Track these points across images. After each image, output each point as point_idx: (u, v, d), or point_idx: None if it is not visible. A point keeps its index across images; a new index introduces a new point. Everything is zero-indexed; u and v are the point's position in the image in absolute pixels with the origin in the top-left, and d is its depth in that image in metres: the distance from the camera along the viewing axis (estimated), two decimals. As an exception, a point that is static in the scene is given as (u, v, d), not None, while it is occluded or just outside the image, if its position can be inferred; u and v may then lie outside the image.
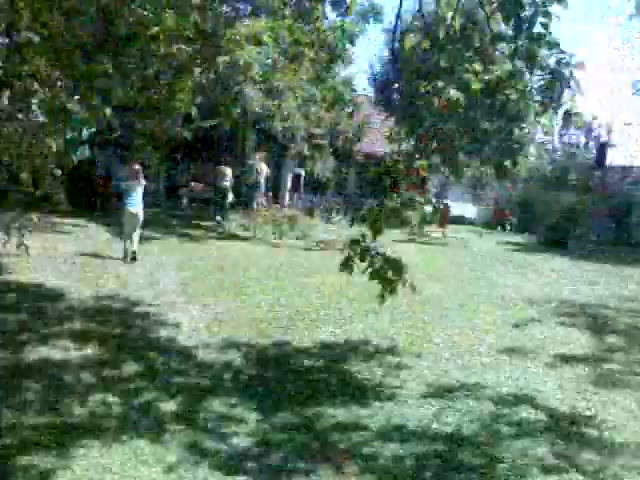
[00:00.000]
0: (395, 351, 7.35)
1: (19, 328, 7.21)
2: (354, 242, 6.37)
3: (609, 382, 6.64)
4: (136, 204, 11.97)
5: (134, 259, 11.50)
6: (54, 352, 6.53)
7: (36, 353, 6.45)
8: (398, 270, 6.09)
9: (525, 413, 5.66)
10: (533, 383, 6.49)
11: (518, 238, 22.04)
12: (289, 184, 22.88)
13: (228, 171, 18.02)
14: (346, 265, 6.24)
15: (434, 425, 5.33)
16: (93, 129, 15.30)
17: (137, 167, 12.10)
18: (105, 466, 4.29)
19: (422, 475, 4.50)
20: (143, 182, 12.20)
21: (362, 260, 6.24)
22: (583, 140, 29.82)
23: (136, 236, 11.95)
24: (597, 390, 6.35)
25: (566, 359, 7.38)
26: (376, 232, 6.03)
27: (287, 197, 22.65)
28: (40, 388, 5.62)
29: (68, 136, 8.56)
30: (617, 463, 4.74)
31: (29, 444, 4.50)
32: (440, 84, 5.39)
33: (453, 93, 5.25)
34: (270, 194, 20.91)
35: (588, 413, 5.73)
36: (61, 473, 4.13)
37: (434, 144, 5.81)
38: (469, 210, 26.57)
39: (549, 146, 29.54)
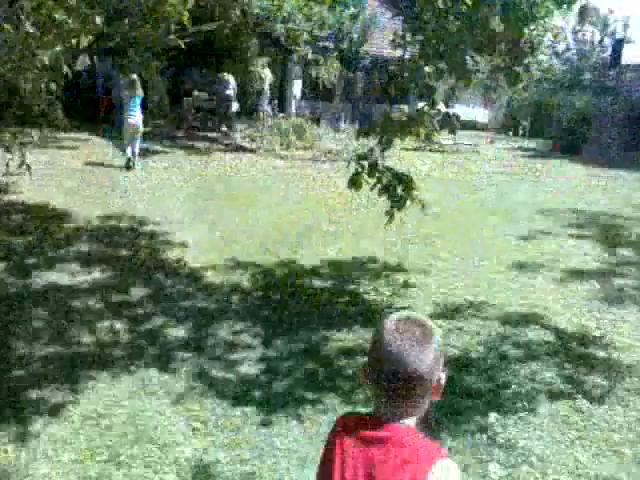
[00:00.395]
0: (403, 268, 7.30)
1: (26, 251, 7.18)
2: (361, 157, 6.16)
3: (620, 298, 6.60)
4: (135, 114, 12.05)
5: (129, 167, 11.69)
6: (62, 276, 6.51)
7: (44, 278, 6.43)
8: (407, 186, 5.95)
9: (533, 334, 5.64)
10: (542, 300, 6.45)
11: (531, 143, 21.60)
12: (296, 91, 22.26)
13: (231, 79, 17.48)
14: (354, 181, 6.08)
15: (441, 348, 5.32)
16: (91, 38, 14.83)
17: (134, 77, 11.86)
18: (114, 399, 4.32)
19: (428, 402, 4.50)
20: (140, 92, 12.19)
21: (370, 176, 6.08)
22: (598, 37, 28.55)
23: (136, 146, 12.12)
24: (607, 307, 6.31)
25: (577, 274, 7.32)
26: (384, 145, 5.82)
27: (294, 105, 22.10)
28: (48, 316, 5.63)
29: (58, 48, 8.20)
30: (624, 386, 4.74)
31: (39, 377, 4.53)
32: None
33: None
34: (276, 102, 20.40)
35: (597, 333, 5.71)
36: (71, 407, 4.17)
37: (440, 48, 5.48)
38: (480, 114, 25.93)
39: (562, 46, 28.41)
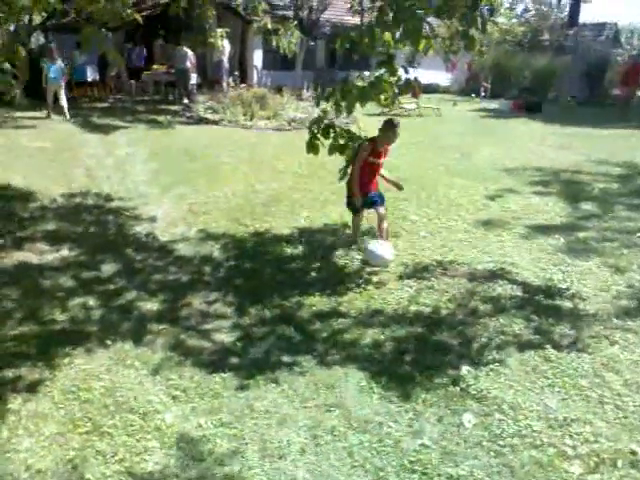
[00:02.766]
0: (372, 233, 7.35)
1: (-11, 233, 7.09)
2: (315, 121, 6.22)
3: (584, 251, 6.76)
4: (57, 80, 14.50)
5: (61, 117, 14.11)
6: (30, 256, 6.46)
7: (13, 258, 6.37)
8: None
9: (501, 289, 5.77)
10: (509, 256, 6.59)
11: (493, 104, 21.75)
12: (257, 62, 22.04)
13: (189, 51, 17.28)
14: (311, 145, 6.13)
15: (412, 307, 5.43)
16: (45, 15, 14.58)
17: (52, 46, 14.67)
18: (92, 373, 4.35)
19: (402, 358, 4.62)
20: (59, 61, 14.67)
21: (325, 137, 6.14)
22: (556, -2, 28.78)
23: (63, 100, 14.64)
24: (572, 260, 6.47)
25: (542, 229, 7.47)
26: (341, 111, 5.85)
27: (255, 75, 21.91)
28: (20, 296, 5.58)
29: (11, 27, 8.02)
30: (589, 334, 4.90)
31: (14, 356, 4.52)
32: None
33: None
34: (237, 73, 20.20)
35: (563, 285, 5.86)
36: (49, 383, 4.19)
37: (398, 14, 5.47)
38: (442, 77, 25.96)
39: (520, 7, 28.58)
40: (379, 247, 6.15)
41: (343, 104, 5.76)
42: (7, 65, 7.18)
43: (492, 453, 3.56)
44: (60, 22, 14.70)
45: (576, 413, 3.91)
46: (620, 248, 6.82)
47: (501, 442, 3.65)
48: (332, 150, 6.28)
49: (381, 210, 6.41)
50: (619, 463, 3.48)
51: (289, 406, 4.01)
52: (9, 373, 4.31)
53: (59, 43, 16.08)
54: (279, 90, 17.60)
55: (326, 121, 6.24)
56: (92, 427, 3.77)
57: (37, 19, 15.96)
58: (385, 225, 6.42)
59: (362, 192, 6.36)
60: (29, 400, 4.00)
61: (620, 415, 3.91)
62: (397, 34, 5.52)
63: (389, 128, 6.24)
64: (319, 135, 6.16)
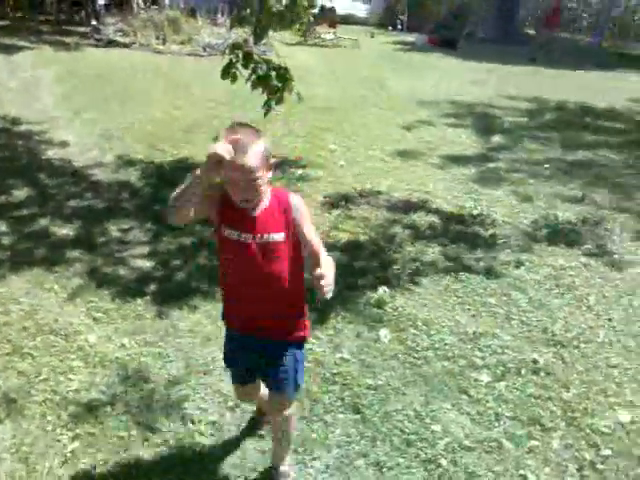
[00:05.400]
0: (293, 162, 7.37)
1: None
2: (235, 46, 5.98)
3: (495, 180, 7.06)
4: None
5: None
6: None
7: None
8: (283, 77, 5.84)
9: (417, 216, 5.97)
10: (424, 185, 6.79)
11: (409, 38, 21.81)
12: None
13: None
14: (227, 72, 5.94)
15: (332, 233, 5.55)
16: None
17: None
18: (8, 297, 4.26)
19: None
20: None
21: (245, 67, 5.96)
22: None
23: None
24: (483, 189, 6.75)
25: (455, 160, 7.72)
26: (258, 36, 5.71)
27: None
28: None
29: None
30: (499, 258, 5.18)
31: None
32: None
33: None
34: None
35: (475, 212, 6.12)
36: (-38, 307, 4.08)
37: None
38: (360, 9, 25.73)
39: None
40: None
41: (258, 29, 5.61)
42: None
43: (407, 364, 3.77)
44: None
45: (485, 328, 4.18)
46: (528, 178, 7.17)
47: (415, 355, 3.87)
48: (255, 85, 6.02)
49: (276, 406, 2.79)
50: (522, 371, 3.77)
51: (212, 327, 4.06)
52: None
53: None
54: (193, 13, 16.99)
55: (246, 49, 6.03)
56: (12, 349, 3.73)
57: None
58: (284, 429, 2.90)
59: (226, 323, 2.78)
60: (-58, 323, 3.90)
61: (524, 329, 4.21)
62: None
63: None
64: (238, 64, 5.95)
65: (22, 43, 13.44)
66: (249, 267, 2.44)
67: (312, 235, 2.46)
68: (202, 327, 4.06)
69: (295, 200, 2.45)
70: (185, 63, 13.30)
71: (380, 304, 4.41)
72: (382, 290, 4.58)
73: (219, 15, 18.34)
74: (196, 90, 10.50)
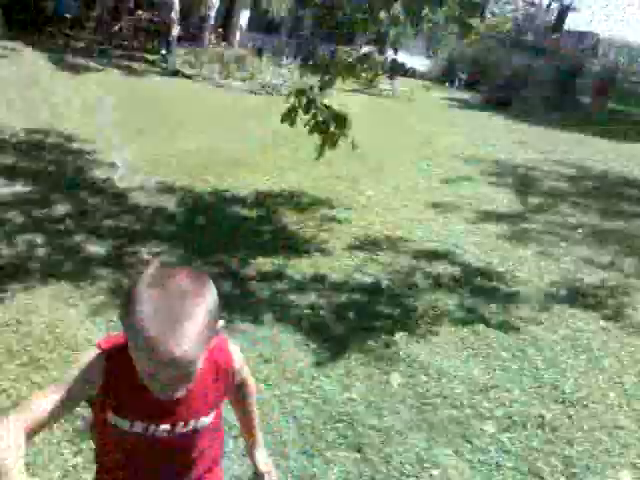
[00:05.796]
0: (329, 203, 7.51)
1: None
2: (300, 92, 6.14)
3: (525, 240, 7.03)
4: None
5: None
6: (-19, 188, 6.42)
7: (-38, 188, 6.34)
8: (342, 124, 6.00)
9: (442, 267, 5.98)
10: (454, 238, 6.81)
11: (465, 95, 22.01)
12: (242, 21, 21.80)
13: (175, 2, 16.98)
14: (289, 116, 6.11)
15: (355, 276, 5.60)
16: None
17: None
18: (32, 308, 4.39)
19: (338, 322, 4.79)
20: None
21: (306, 112, 6.11)
22: (546, 1, 29.19)
23: None
24: (512, 247, 6.73)
25: (489, 216, 7.73)
26: (325, 85, 5.90)
27: (238, 35, 21.67)
28: (-33, 226, 5.59)
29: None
30: (518, 315, 5.16)
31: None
32: None
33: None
34: (220, 30, 19.92)
35: (500, 269, 6.10)
36: (-11, 314, 4.23)
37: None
38: (421, 63, 26.13)
39: (511, 5, 28.85)
40: None
41: (327, 77, 5.78)
42: None
43: (414, 410, 3.77)
44: None
45: (496, 381, 4.16)
46: (559, 241, 7.12)
47: (424, 400, 3.86)
48: (313, 130, 6.12)
49: None
50: (528, 425, 3.73)
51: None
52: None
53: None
54: (259, 53, 17.53)
55: (310, 96, 6.16)
56: (28, 360, 3.83)
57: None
58: None
59: None
60: (-35, 328, 4.05)
61: (535, 385, 4.18)
62: (393, 13, 5.55)
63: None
64: (299, 109, 6.06)
65: (92, 64, 14.05)
66: (155, 464, 1.60)
67: (249, 376, 1.84)
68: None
69: (238, 356, 1.70)
70: (243, 99, 13.69)
71: (395, 349, 4.43)
72: (398, 335, 4.61)
73: (284, 57, 18.87)
74: (247, 125, 10.79)
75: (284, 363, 4.16)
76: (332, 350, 4.36)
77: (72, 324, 4.30)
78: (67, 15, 17.63)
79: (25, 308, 4.41)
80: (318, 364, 4.20)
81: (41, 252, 5.34)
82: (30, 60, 13.23)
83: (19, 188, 6.56)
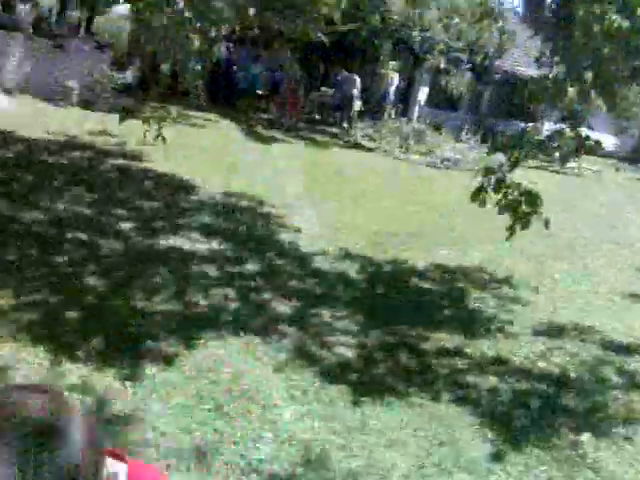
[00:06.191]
0: (511, 283, 7.25)
1: (153, 216, 7.71)
2: (489, 171, 5.94)
3: None
4: None
5: None
6: (183, 242, 6.93)
7: (167, 241, 6.87)
8: (534, 203, 5.75)
9: (637, 364, 5.51)
10: (651, 333, 6.27)
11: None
12: (421, 98, 22.26)
13: (357, 79, 17.80)
14: (478, 195, 5.94)
15: (540, 364, 5.31)
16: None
17: None
18: (221, 358, 4.62)
19: (519, 412, 4.53)
20: None
21: (496, 192, 5.93)
22: None
23: None
24: None
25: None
26: (515, 163, 5.79)
27: (416, 110, 22.12)
28: (169, 275, 6.05)
29: (212, 34, 8.68)
30: None
31: (157, 329, 4.91)
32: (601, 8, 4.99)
33: (616, 19, 4.86)
34: (400, 105, 20.48)
35: None
36: (183, 359, 4.50)
37: (589, 72, 5.38)
38: (607, 140, 24.92)
39: None
40: None
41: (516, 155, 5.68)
42: (198, 67, 7.76)
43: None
44: (242, 35, 15.68)
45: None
46: None
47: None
48: (503, 209, 5.92)
49: None
50: None
51: (400, 432, 4.06)
52: (151, 343, 4.68)
53: (237, 54, 17.21)
54: (438, 128, 17.71)
55: (498, 174, 6.05)
56: (214, 406, 4.02)
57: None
58: None
59: None
60: (164, 370, 4.33)
61: None
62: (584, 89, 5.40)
63: None
64: (489, 188, 5.89)
65: (280, 136, 14.93)
66: None
67: None
68: (390, 431, 4.07)
69: None
70: (421, 172, 13.80)
71: (581, 452, 4.09)
72: (586, 437, 4.26)
73: (463, 133, 18.90)
74: (427, 197, 10.82)
75: (459, 449, 4.00)
76: (511, 442, 4.12)
77: (257, 377, 4.48)
78: (259, 92, 19.00)
79: (215, 356, 4.66)
80: (495, 456, 3.99)
81: (233, 306, 5.64)
82: (225, 130, 14.31)
83: (214, 245, 7.01)
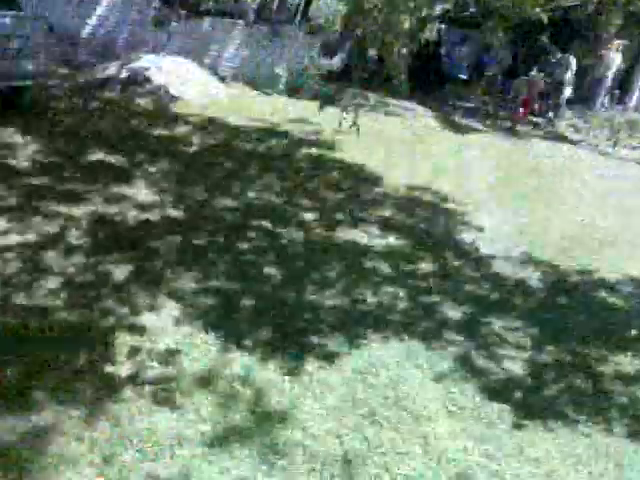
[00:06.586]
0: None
1: (335, 207, 7.84)
2: None
3: None
4: None
5: None
6: (361, 236, 6.96)
7: (345, 234, 6.97)
8: None
9: None
10: None
11: None
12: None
13: (572, 61, 16.31)
14: None
15: None
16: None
17: None
18: (382, 361, 4.61)
19: None
20: None
21: None
22: None
23: None
24: None
25: None
26: None
27: (635, 98, 20.11)
28: (342, 269, 6.13)
29: (423, 13, 8.38)
30: None
31: (323, 324, 5.02)
32: None
33: None
34: (617, 92, 18.65)
35: None
36: (343, 358, 4.55)
37: None
38: None
39: None
40: None
41: None
42: (404, 50, 7.63)
43: None
44: (457, 16, 15.06)
45: None
46: None
47: None
48: None
49: None
50: None
51: (561, 463, 3.80)
52: (314, 339, 4.78)
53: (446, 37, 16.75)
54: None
55: None
56: (367, 412, 4.02)
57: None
58: None
59: None
60: (323, 368, 4.40)
61: None
62: None
63: None
64: None
65: (476, 125, 14.44)
66: None
67: None
68: (549, 460, 3.82)
69: None
70: (629, 171, 12.59)
71: None
72: None
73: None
74: (632, 203, 9.89)
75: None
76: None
77: (414, 386, 4.41)
78: (461, 76, 18.37)
79: (375, 359, 4.66)
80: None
81: (401, 306, 5.60)
82: (421, 119, 14.07)
83: (391, 240, 6.99)
